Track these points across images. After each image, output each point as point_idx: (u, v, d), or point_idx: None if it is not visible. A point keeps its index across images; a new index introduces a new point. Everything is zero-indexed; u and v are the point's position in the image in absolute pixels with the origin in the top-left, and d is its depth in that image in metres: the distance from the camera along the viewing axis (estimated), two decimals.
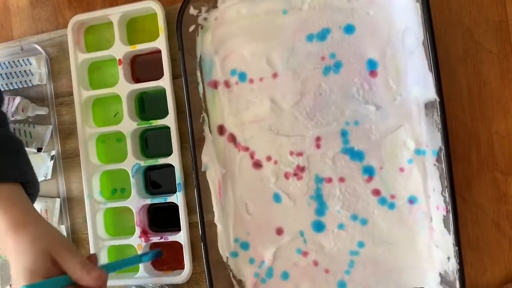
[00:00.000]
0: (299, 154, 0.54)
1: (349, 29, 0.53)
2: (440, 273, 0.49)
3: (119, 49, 0.59)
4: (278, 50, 0.54)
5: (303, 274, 0.54)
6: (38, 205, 0.62)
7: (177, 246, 0.57)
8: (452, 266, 0.47)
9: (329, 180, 0.53)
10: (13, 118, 0.62)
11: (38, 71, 0.63)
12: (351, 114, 0.52)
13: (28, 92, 0.64)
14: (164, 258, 0.59)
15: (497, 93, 0.52)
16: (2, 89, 0.63)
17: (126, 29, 0.61)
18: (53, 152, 0.63)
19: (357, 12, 0.52)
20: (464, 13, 0.53)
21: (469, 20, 0.53)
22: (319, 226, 0.53)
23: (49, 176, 0.62)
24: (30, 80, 0.64)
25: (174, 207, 0.57)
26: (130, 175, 0.58)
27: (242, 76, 0.55)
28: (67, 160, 0.63)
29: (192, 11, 0.54)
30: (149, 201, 0.58)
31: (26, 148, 0.60)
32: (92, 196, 0.60)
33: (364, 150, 0.52)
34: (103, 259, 0.60)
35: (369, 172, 0.52)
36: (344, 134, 0.53)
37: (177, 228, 0.57)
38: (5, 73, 0.64)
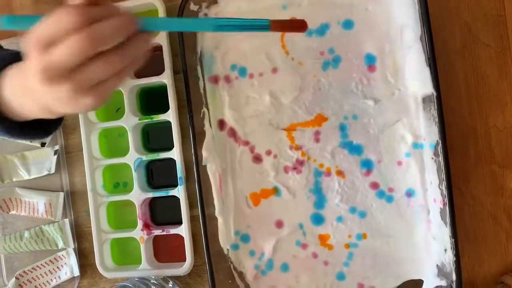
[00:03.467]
0: (299, 148, 0.54)
1: (348, 24, 0.53)
2: (437, 265, 0.50)
3: None
4: (277, 45, 0.55)
5: (303, 266, 0.54)
6: (42, 200, 0.63)
7: (179, 239, 0.58)
8: (449, 257, 0.48)
9: (328, 173, 0.54)
10: None
11: None
12: (350, 108, 0.53)
13: None
14: (166, 250, 0.61)
15: (495, 87, 0.53)
16: None
17: None
18: (57, 147, 0.63)
19: (356, 8, 0.53)
20: (462, 7, 0.53)
21: (467, 14, 0.53)
22: (318, 219, 0.54)
23: (52, 171, 0.63)
24: None
25: (175, 200, 0.58)
26: (132, 169, 0.59)
27: (242, 71, 0.56)
28: (70, 155, 0.64)
29: (193, 6, 0.54)
30: (151, 194, 0.59)
31: (30, 144, 0.61)
32: (95, 190, 0.61)
33: (362, 144, 0.53)
34: (106, 252, 0.61)
35: (367, 165, 0.53)
36: (342, 128, 0.53)
37: (179, 221, 0.58)
38: None
